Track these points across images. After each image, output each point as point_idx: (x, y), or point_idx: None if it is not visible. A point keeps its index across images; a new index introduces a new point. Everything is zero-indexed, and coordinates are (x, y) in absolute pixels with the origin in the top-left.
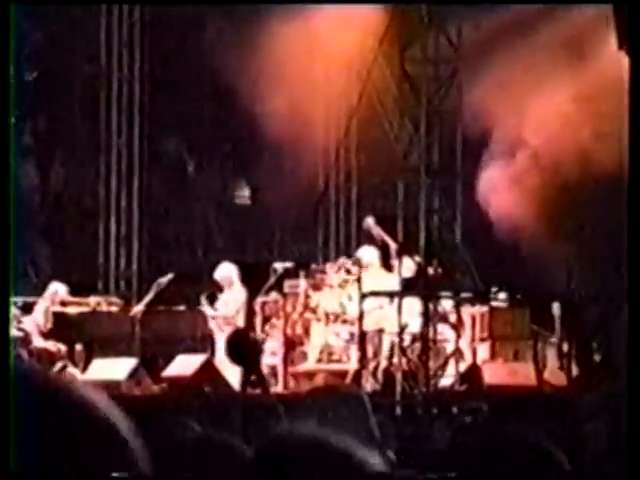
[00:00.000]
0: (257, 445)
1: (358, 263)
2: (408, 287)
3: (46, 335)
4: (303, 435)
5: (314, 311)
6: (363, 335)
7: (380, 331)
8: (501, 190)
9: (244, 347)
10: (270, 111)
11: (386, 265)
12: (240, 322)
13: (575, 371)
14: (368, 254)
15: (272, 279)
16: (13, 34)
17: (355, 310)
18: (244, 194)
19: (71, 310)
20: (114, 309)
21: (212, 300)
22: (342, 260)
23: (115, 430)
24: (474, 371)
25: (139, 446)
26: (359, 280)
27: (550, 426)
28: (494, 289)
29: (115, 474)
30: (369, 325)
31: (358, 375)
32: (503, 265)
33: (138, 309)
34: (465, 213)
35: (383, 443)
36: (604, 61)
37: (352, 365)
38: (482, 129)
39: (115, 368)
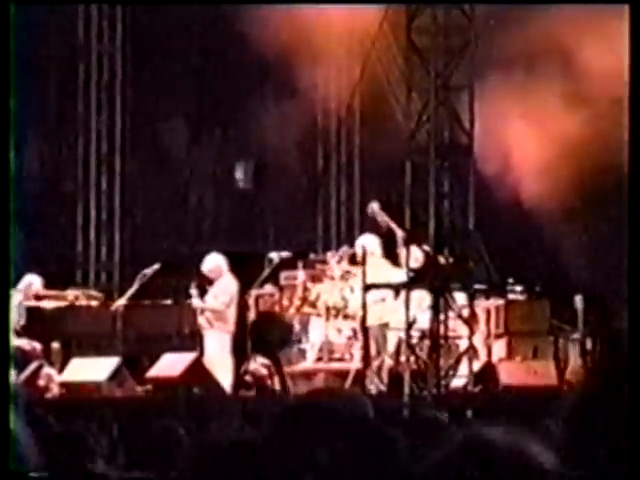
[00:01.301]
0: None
1: (361, 252)
2: (416, 279)
3: (19, 332)
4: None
5: (313, 305)
6: (366, 331)
7: (385, 327)
8: (519, 172)
9: (271, 334)
10: (266, 88)
11: (392, 254)
12: (232, 317)
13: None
14: (370, 243)
15: (267, 270)
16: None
17: (358, 304)
18: (237, 177)
19: (47, 305)
20: (94, 303)
21: (202, 293)
22: (344, 249)
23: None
24: (489, 371)
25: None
26: (363, 271)
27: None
28: (511, 280)
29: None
30: (373, 320)
31: (361, 375)
32: (521, 254)
33: (120, 303)
34: (479, 197)
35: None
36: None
37: (354, 364)
38: (497, 106)
39: (95, 368)
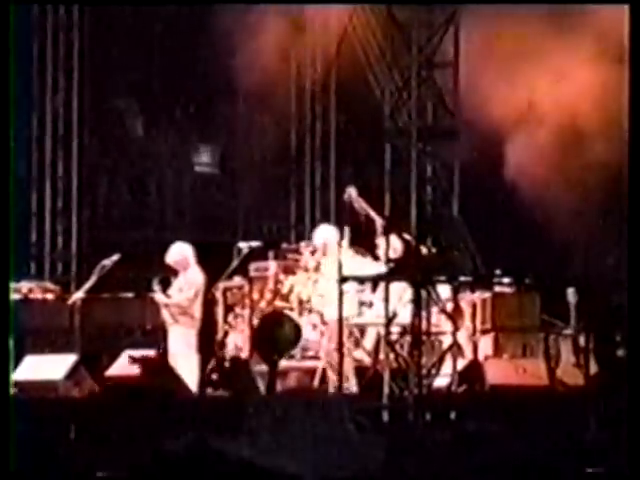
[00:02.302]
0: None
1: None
2: (396, 270)
3: None
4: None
5: (286, 299)
6: (341, 326)
7: (362, 323)
8: (507, 155)
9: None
10: (235, 63)
11: (370, 244)
12: (198, 312)
13: (594, 368)
14: (327, 234)
15: (236, 261)
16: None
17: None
18: (204, 161)
19: None
20: (49, 297)
21: (165, 286)
22: (284, 246)
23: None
24: (475, 369)
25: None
26: (339, 262)
27: (562, 433)
28: (498, 272)
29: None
30: (331, 315)
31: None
32: (509, 244)
33: (78, 297)
34: (464, 183)
35: (366, 454)
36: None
37: (327, 362)
38: (483, 83)
39: (51, 366)
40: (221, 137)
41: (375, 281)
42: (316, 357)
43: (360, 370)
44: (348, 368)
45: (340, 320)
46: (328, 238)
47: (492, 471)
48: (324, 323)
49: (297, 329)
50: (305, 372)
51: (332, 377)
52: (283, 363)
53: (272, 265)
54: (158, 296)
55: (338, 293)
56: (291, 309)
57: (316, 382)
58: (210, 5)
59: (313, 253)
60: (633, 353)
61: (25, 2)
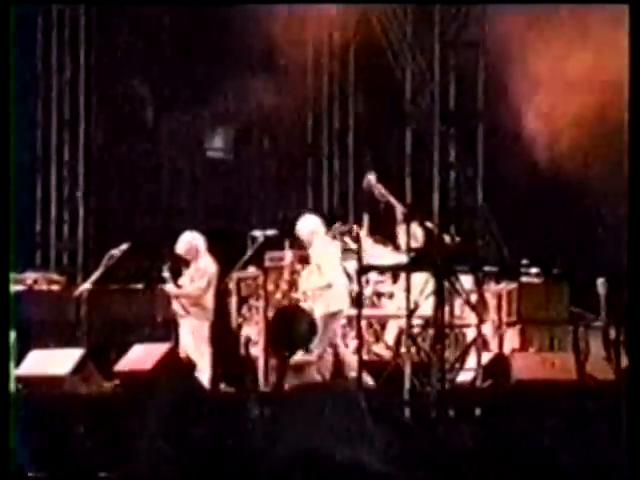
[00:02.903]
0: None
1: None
2: (418, 260)
3: None
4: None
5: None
6: (359, 319)
7: (334, 316)
8: (534, 139)
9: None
10: (251, 44)
11: (390, 233)
12: (210, 303)
13: (625, 362)
14: (310, 225)
15: (250, 250)
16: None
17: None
18: (217, 146)
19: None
20: (55, 288)
21: (176, 275)
22: (337, 226)
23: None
24: (500, 363)
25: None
26: (358, 252)
27: (592, 430)
28: (525, 262)
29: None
30: (321, 309)
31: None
32: (536, 232)
33: (84, 288)
34: (489, 168)
35: (386, 452)
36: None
37: (347, 357)
38: (508, 65)
39: (57, 361)
40: (234, 121)
41: (396, 271)
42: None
43: (379, 365)
44: (351, 362)
45: (359, 315)
46: (315, 229)
47: (518, 470)
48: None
49: (312, 324)
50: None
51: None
52: (299, 358)
53: (288, 254)
54: (168, 286)
55: (357, 284)
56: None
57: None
58: None
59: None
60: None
61: (25, 2)
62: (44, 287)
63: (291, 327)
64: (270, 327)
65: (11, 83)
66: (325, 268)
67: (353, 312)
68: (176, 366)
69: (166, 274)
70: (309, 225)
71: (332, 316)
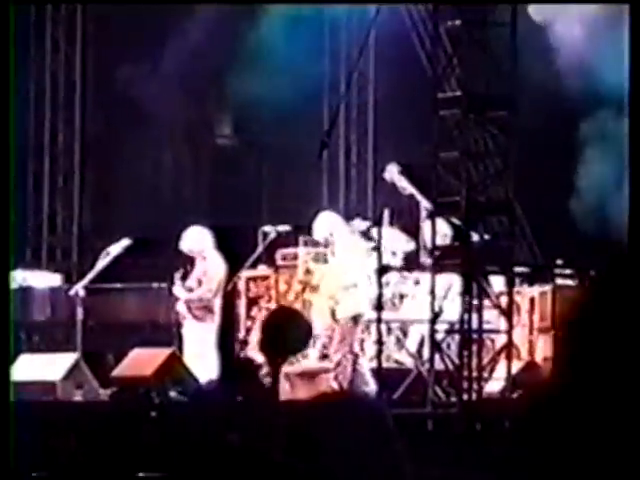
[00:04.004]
0: None
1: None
2: (444, 259)
3: None
4: None
5: (317, 290)
6: (379, 322)
7: (356, 319)
8: (570, 129)
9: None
10: (262, 24)
11: (414, 229)
12: (217, 304)
13: None
14: (328, 224)
15: (261, 247)
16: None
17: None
18: (225, 132)
19: None
20: (47, 287)
21: (184, 276)
22: (356, 222)
23: None
24: (532, 372)
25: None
26: (378, 250)
27: (629, 445)
28: (559, 262)
29: None
30: (343, 313)
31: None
32: (572, 230)
33: (80, 287)
34: (521, 159)
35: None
36: None
37: (365, 364)
38: (547, 43)
39: (49, 365)
40: (245, 106)
41: (418, 271)
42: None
43: (399, 374)
44: (364, 370)
45: (379, 318)
46: (333, 227)
47: None
48: (334, 321)
49: (308, 329)
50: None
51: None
52: (313, 364)
53: (301, 252)
54: (178, 290)
55: (377, 285)
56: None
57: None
58: None
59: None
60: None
61: (25, 2)
62: (36, 285)
63: (284, 331)
64: (262, 330)
65: (11, 83)
66: (349, 267)
67: (372, 315)
68: (179, 372)
69: (178, 282)
70: (327, 223)
71: (354, 320)
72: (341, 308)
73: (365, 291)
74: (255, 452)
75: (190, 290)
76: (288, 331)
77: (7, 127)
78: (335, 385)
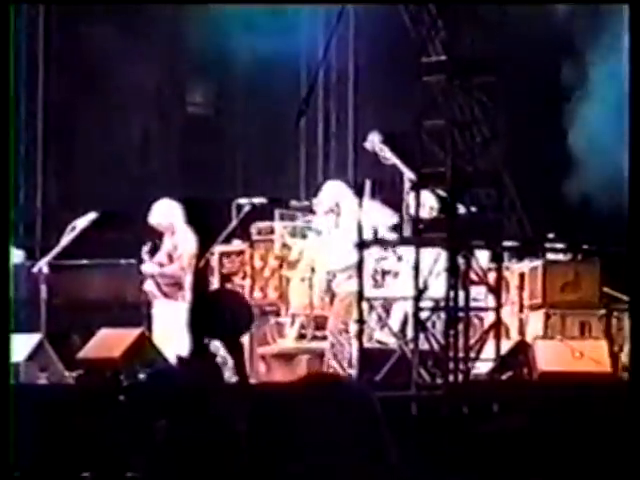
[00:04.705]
0: None
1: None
2: (428, 233)
3: None
4: None
5: (295, 267)
6: (360, 299)
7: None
8: (561, 93)
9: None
10: None
11: (396, 201)
12: (189, 281)
13: None
14: (339, 193)
15: (235, 221)
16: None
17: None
18: (197, 100)
19: None
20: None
21: (153, 251)
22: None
23: None
24: (522, 352)
25: None
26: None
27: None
28: (550, 236)
29: None
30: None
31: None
32: (564, 202)
33: (44, 264)
34: (510, 127)
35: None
36: None
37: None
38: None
39: (11, 346)
40: (217, 71)
41: (402, 245)
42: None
43: (381, 354)
44: (351, 351)
45: (360, 293)
46: (339, 197)
47: (541, 475)
48: (332, 296)
49: (244, 311)
50: (319, 355)
51: (333, 363)
52: (290, 345)
53: (278, 226)
54: (147, 265)
55: (357, 260)
56: (301, 279)
57: (325, 367)
58: None
59: (327, 212)
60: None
61: (25, 2)
62: None
63: (213, 313)
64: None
65: (11, 83)
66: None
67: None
68: (148, 354)
69: (145, 256)
70: (334, 192)
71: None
72: (346, 284)
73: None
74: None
75: (160, 265)
76: (217, 313)
77: None
78: (336, 365)
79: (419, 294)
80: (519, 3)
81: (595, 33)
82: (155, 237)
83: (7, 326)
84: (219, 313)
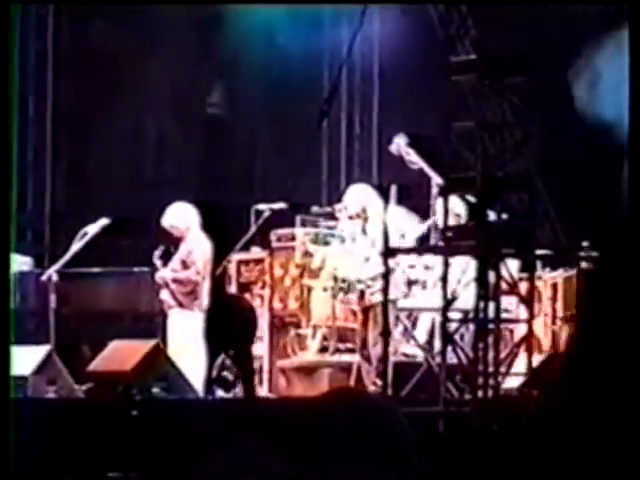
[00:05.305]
0: None
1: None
2: (457, 241)
3: None
4: None
5: (317, 275)
6: (386, 311)
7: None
8: (600, 94)
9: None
10: None
11: (423, 207)
12: (205, 290)
13: None
14: (365, 197)
15: (254, 227)
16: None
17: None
18: (214, 100)
19: None
20: (17, 272)
21: (166, 259)
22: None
23: None
24: (555, 366)
25: None
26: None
27: None
28: (585, 244)
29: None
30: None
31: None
32: (599, 208)
33: (53, 272)
34: (544, 129)
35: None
36: None
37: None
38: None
39: (18, 359)
40: (236, 70)
41: (429, 254)
42: (354, 350)
43: (409, 367)
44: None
45: (385, 303)
46: (366, 201)
47: None
48: (364, 308)
49: (247, 317)
50: (342, 369)
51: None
52: (312, 358)
53: (299, 233)
54: (161, 273)
55: (383, 269)
56: (324, 289)
57: (352, 381)
58: None
59: (351, 218)
60: None
61: (25, 2)
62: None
63: (221, 321)
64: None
65: (11, 83)
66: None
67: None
68: (162, 367)
69: (158, 262)
70: (360, 196)
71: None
72: (374, 292)
73: (397, 275)
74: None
75: (174, 272)
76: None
77: None
78: (378, 382)
79: (447, 305)
80: (519, 3)
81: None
82: (169, 243)
83: (7, 338)
84: (233, 322)
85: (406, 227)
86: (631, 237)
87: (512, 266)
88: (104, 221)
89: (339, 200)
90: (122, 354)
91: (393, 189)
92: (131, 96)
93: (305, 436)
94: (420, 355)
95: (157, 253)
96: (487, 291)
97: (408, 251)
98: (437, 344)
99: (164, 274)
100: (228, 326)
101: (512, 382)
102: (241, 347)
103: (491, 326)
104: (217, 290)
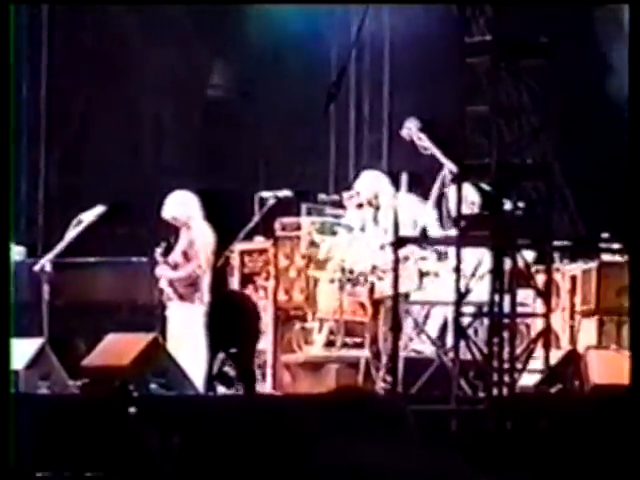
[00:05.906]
0: None
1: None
2: (471, 231)
3: None
4: None
5: (323, 266)
6: (396, 305)
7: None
8: (619, 77)
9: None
10: None
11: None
12: (206, 282)
13: None
14: (377, 184)
15: (257, 216)
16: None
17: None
18: (216, 82)
19: None
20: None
21: (167, 250)
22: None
23: None
24: (573, 363)
25: None
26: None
27: None
28: (605, 235)
29: None
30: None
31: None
32: (620, 199)
33: (46, 262)
34: (562, 115)
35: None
36: None
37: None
38: None
39: (11, 352)
40: (239, 51)
41: (442, 244)
42: (362, 344)
43: (421, 363)
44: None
45: (395, 296)
46: (378, 188)
47: None
48: (374, 301)
49: (249, 317)
50: (349, 365)
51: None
52: (318, 353)
53: (305, 222)
54: (161, 269)
55: (393, 260)
56: (331, 280)
57: (360, 378)
58: None
59: (360, 206)
60: None
61: (25, 2)
62: None
63: (223, 318)
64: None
65: (11, 83)
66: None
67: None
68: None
69: (159, 258)
70: (372, 183)
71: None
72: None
73: (409, 267)
74: None
75: (175, 266)
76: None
77: None
78: (388, 379)
79: (460, 298)
80: (517, 4)
81: None
82: (169, 233)
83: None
84: (235, 322)
85: (417, 216)
86: None
87: (528, 258)
88: (100, 208)
89: (347, 188)
90: (119, 348)
91: (404, 176)
92: (128, 80)
93: (308, 434)
94: (431, 350)
95: (159, 250)
96: (502, 284)
97: (419, 241)
98: (449, 339)
99: (164, 272)
100: (230, 325)
101: (528, 379)
102: (242, 347)
103: (506, 320)
104: (219, 284)
